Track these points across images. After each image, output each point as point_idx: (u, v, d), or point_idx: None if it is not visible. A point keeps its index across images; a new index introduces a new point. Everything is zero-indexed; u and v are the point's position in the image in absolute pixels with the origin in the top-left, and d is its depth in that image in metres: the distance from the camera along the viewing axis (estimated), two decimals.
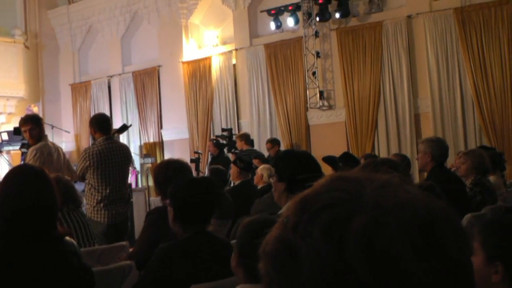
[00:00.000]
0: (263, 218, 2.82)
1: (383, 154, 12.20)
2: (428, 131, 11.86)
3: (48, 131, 7.92)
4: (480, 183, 6.41)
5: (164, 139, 15.86)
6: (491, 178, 7.17)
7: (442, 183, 5.59)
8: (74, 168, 7.39)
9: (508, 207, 5.98)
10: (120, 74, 16.65)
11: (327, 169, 6.62)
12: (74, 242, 3.25)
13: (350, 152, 11.65)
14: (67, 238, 3.14)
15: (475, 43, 11.56)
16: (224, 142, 12.46)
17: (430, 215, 0.78)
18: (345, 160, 7.15)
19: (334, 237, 0.75)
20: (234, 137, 12.66)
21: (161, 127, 15.88)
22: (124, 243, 5.18)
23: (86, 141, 16.27)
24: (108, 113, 14.67)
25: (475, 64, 11.54)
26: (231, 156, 11.73)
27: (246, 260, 2.66)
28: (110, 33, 16.85)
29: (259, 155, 11.18)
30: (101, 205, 6.83)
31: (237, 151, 11.77)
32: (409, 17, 12.37)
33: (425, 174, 6.52)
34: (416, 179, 10.78)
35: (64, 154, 7.50)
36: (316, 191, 0.83)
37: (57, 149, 7.35)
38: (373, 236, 0.74)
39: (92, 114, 14.48)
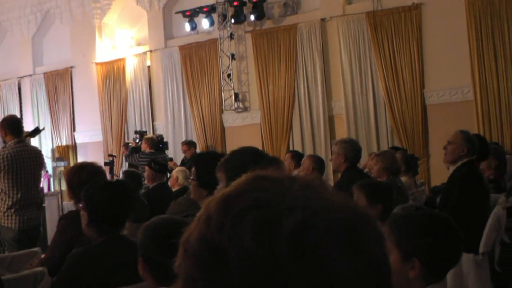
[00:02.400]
0: (161, 220, 2.82)
1: None
2: (341, 133, 12.07)
3: None
4: (392, 184, 6.58)
5: (77, 141, 15.61)
6: (403, 178, 7.39)
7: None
8: None
9: (418, 206, 6.15)
10: (31, 75, 16.25)
11: None
12: None
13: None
14: None
15: (387, 47, 11.88)
16: (139, 144, 12.29)
17: (354, 217, 0.81)
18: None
19: (265, 239, 0.76)
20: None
21: (74, 130, 15.61)
22: (36, 249, 5.06)
23: None
24: (18, 115, 14.27)
25: (386, 67, 11.85)
26: None
27: (153, 265, 2.63)
28: (20, 33, 16.38)
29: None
30: (12, 210, 6.62)
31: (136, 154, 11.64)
32: (323, 20, 12.57)
33: (339, 175, 6.64)
34: (331, 180, 10.96)
35: None
36: (238, 191, 0.83)
37: None
38: (303, 237, 0.76)
39: (1, 116, 14.04)
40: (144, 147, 11.43)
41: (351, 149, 6.10)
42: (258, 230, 0.77)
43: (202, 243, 0.80)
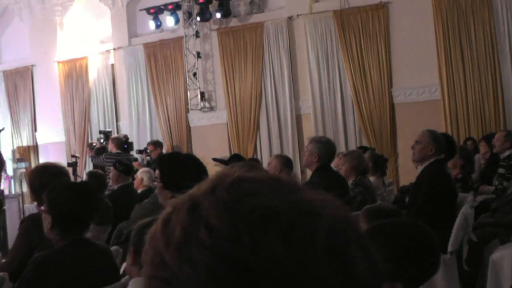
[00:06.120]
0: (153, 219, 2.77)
1: (265, 155, 12.28)
2: (309, 132, 12.01)
3: None
4: (360, 183, 6.62)
5: (38, 142, 15.32)
6: (371, 178, 7.38)
7: (326, 184, 5.75)
8: None
9: (393, 208, 6.12)
10: None
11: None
12: None
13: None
14: None
15: (354, 45, 11.87)
16: (104, 144, 12.09)
17: (351, 217, 0.81)
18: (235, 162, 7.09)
19: (295, 248, 0.74)
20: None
21: (36, 130, 15.33)
22: None
23: None
24: None
25: (354, 66, 11.84)
26: None
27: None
28: None
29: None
30: None
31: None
32: (289, 18, 12.51)
33: (307, 173, 6.62)
34: (299, 178, 10.88)
35: None
36: (231, 195, 0.78)
37: None
38: (333, 243, 0.75)
39: None
40: (111, 147, 11.26)
41: (325, 149, 6.12)
42: (286, 238, 0.74)
43: (213, 256, 0.74)
